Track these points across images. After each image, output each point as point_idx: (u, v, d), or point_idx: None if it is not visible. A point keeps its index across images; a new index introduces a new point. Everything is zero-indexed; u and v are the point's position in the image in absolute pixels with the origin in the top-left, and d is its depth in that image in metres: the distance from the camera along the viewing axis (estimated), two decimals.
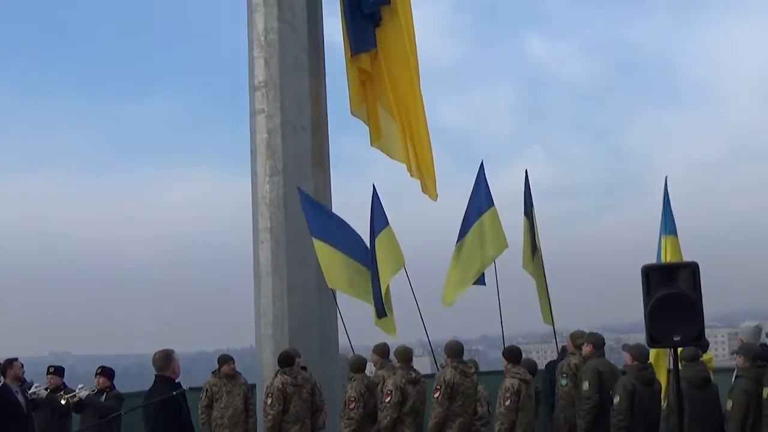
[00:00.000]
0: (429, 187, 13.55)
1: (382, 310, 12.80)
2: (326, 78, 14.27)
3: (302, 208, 12.94)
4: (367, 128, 13.96)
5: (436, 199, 13.60)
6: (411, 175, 13.64)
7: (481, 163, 13.29)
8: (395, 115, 13.62)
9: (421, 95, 13.63)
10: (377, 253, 12.82)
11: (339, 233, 13.06)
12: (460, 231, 13.14)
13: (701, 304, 7.33)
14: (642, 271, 7.41)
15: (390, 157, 13.89)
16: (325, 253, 12.77)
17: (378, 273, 12.77)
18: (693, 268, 7.45)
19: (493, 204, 13.07)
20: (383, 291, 12.78)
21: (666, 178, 12.66)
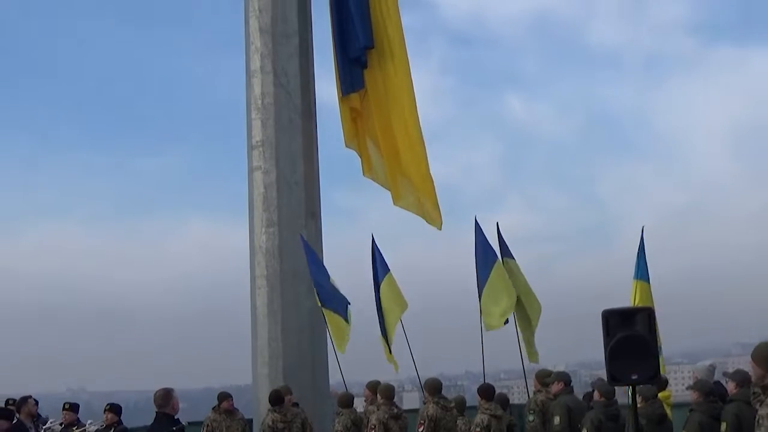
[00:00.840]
0: (434, 217, 13.57)
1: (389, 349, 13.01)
2: (317, 137, 14.37)
3: (307, 260, 12.94)
4: (360, 161, 14.10)
5: (440, 228, 13.61)
6: (393, 203, 13.75)
7: (476, 219, 13.34)
8: (381, 149, 13.75)
9: (419, 129, 13.70)
10: (383, 298, 12.94)
11: (331, 291, 13.03)
12: (478, 279, 13.07)
13: (656, 345, 7.32)
14: (602, 315, 7.41)
15: (381, 185, 13.99)
16: (332, 321, 12.75)
17: (384, 316, 12.90)
18: (649, 313, 7.45)
19: (496, 257, 13.13)
20: (391, 333, 12.89)
21: (643, 228, 12.53)
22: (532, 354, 13.20)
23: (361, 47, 13.78)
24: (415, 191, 13.62)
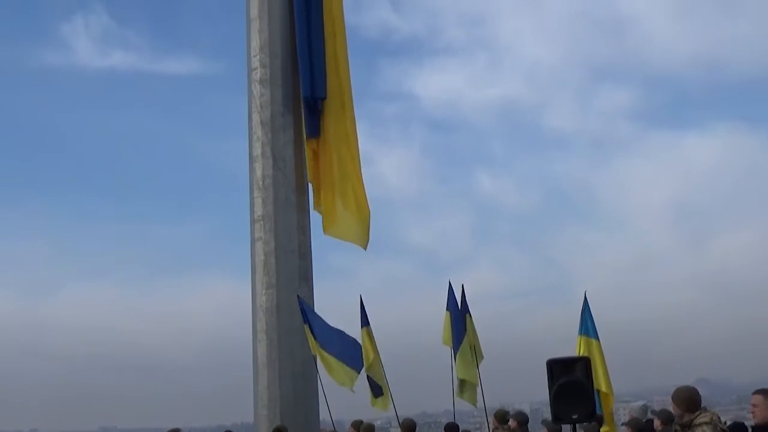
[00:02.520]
0: (362, 240, 13.64)
1: (378, 391, 12.57)
2: (310, 211, 14.46)
3: (304, 314, 12.74)
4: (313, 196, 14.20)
5: (365, 248, 13.67)
6: (324, 232, 13.90)
7: (449, 282, 13.26)
8: (324, 183, 13.97)
9: (359, 168, 13.96)
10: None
11: (333, 340, 12.77)
12: (453, 332, 12.92)
13: (593, 389, 7.45)
14: (546, 363, 7.50)
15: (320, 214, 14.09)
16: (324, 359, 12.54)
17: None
18: (586, 362, 7.57)
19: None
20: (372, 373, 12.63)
21: (585, 292, 12.40)
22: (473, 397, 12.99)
23: (316, 97, 14.05)
24: (351, 216, 13.69)
